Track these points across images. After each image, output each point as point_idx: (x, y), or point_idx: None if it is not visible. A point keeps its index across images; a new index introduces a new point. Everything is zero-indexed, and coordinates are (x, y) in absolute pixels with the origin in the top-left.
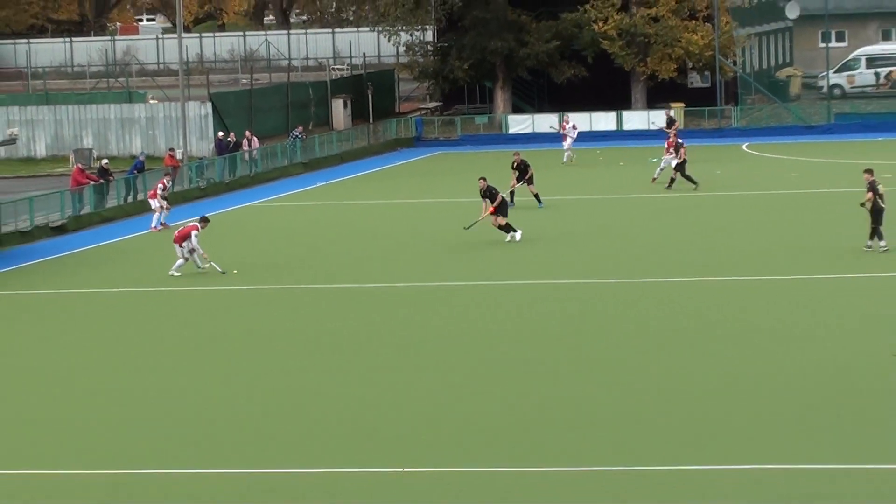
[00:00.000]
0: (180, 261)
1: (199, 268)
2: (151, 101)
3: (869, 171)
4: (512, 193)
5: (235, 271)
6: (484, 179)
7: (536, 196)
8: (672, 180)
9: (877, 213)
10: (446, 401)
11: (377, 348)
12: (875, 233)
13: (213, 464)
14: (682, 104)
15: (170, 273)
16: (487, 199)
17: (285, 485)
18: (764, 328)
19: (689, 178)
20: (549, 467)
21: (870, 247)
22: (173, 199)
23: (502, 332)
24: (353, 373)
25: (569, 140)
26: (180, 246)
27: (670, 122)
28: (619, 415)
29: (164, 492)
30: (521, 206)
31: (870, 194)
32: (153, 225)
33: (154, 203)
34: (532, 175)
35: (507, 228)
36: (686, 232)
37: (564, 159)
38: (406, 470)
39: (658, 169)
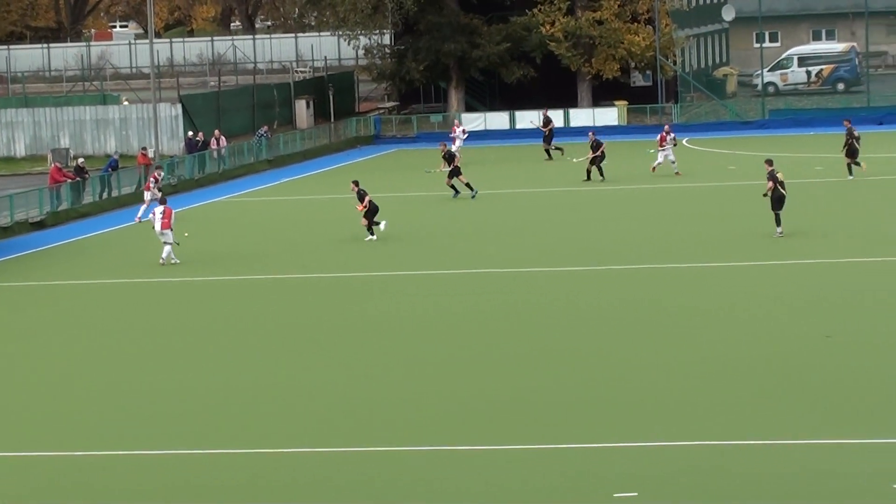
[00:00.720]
0: (168, 247)
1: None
2: (125, 103)
3: (769, 162)
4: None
5: (186, 234)
6: (355, 184)
7: (468, 185)
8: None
9: (777, 201)
10: (394, 383)
11: (334, 334)
12: (779, 219)
13: (184, 445)
14: (626, 102)
15: (172, 262)
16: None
17: (252, 463)
18: (710, 312)
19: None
20: (494, 445)
21: (781, 234)
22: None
23: (443, 320)
24: (312, 357)
25: (458, 142)
26: (171, 230)
27: (546, 121)
28: (557, 397)
29: (135, 472)
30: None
31: (770, 183)
32: (138, 215)
33: (147, 195)
34: (454, 167)
35: (370, 227)
36: (620, 222)
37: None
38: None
39: (656, 161)
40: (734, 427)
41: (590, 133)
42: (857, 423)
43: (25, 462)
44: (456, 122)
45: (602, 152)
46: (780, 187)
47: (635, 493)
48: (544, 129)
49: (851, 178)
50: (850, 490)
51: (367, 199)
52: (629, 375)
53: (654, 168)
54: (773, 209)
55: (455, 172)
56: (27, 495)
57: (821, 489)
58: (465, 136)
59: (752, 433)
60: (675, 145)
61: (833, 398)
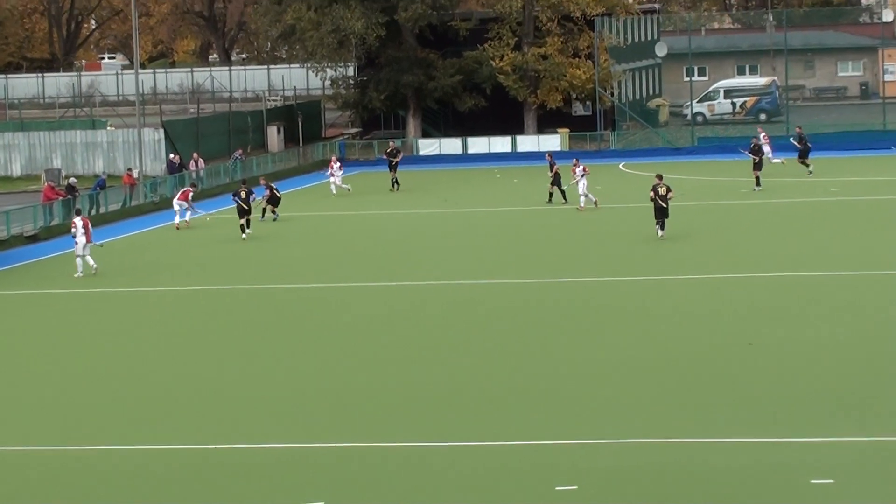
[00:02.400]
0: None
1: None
2: (110, 128)
3: (658, 176)
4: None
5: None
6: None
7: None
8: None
9: (656, 211)
10: (347, 382)
11: (302, 340)
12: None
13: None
14: (568, 130)
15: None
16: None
17: (230, 459)
18: (661, 315)
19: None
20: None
21: (662, 237)
22: (131, 212)
23: (389, 326)
24: (290, 358)
25: (335, 178)
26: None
27: (394, 152)
28: (502, 394)
29: (114, 465)
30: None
31: (651, 194)
32: (182, 219)
33: (178, 204)
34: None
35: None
36: (563, 238)
37: (334, 190)
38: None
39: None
40: (667, 425)
41: (547, 154)
42: (776, 422)
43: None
44: (333, 157)
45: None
46: (659, 200)
47: (575, 487)
48: (390, 159)
49: (811, 174)
50: (771, 486)
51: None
52: (569, 375)
53: (580, 208)
54: (654, 216)
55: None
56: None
57: (747, 485)
58: (342, 171)
59: (684, 431)
60: (584, 174)
61: (757, 399)
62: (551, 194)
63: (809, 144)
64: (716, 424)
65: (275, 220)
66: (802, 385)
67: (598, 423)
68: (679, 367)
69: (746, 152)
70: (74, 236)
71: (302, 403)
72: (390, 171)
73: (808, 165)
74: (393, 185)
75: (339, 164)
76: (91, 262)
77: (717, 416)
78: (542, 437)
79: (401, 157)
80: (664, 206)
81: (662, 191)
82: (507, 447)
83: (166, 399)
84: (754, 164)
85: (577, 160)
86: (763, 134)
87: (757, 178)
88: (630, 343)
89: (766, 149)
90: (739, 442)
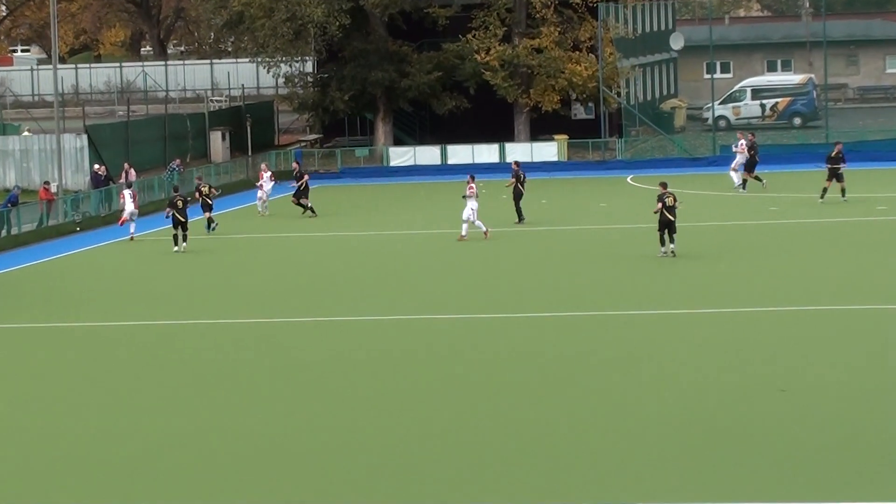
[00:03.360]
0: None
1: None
2: (26, 134)
3: (663, 185)
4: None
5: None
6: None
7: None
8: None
9: (661, 224)
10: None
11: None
12: (663, 241)
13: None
14: (566, 136)
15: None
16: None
17: None
18: (676, 356)
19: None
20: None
21: (664, 253)
22: (48, 233)
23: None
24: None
25: (266, 188)
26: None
27: (298, 175)
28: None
29: None
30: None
31: (659, 205)
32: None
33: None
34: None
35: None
36: (559, 265)
37: (260, 209)
38: None
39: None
40: (691, 485)
41: (513, 163)
42: (820, 482)
43: None
44: (263, 165)
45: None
46: (666, 212)
47: None
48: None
49: (745, 192)
50: None
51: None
52: (572, 429)
53: (464, 235)
54: (658, 230)
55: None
56: None
57: None
58: (272, 183)
59: (710, 494)
60: (470, 195)
61: (794, 455)
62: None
63: (758, 158)
64: (748, 485)
65: (213, 228)
66: (846, 438)
67: (607, 483)
68: (701, 419)
69: (828, 166)
70: None
71: (235, 462)
72: (296, 198)
73: (760, 180)
74: (304, 210)
75: (269, 173)
76: None
77: (749, 475)
78: (548, 499)
79: (307, 179)
80: (672, 218)
81: (670, 201)
82: None
83: (67, 455)
84: (748, 165)
85: (472, 177)
86: (742, 142)
87: (749, 179)
88: (641, 391)
89: (740, 159)
90: None
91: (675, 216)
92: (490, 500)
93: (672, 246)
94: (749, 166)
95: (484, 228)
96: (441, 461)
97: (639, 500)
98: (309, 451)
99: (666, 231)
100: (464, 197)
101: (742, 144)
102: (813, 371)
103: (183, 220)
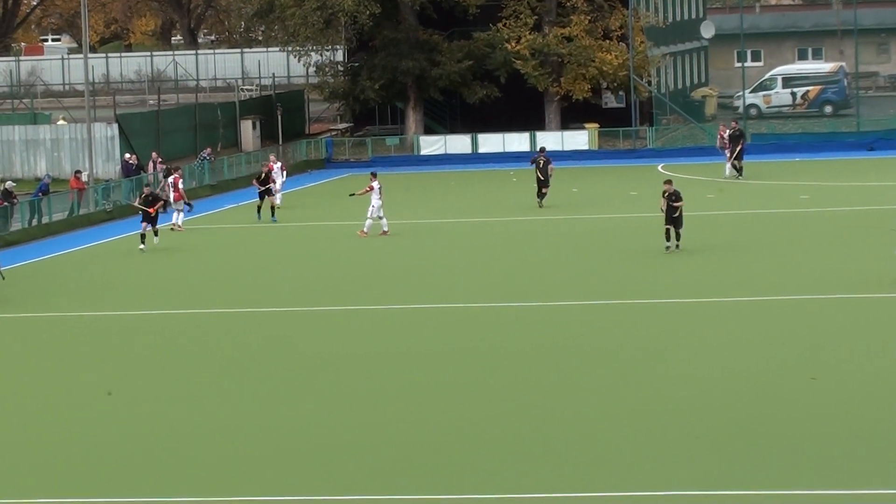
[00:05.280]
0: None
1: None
2: (61, 122)
3: (668, 182)
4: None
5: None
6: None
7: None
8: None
9: (667, 217)
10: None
11: (278, 369)
12: (668, 235)
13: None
14: (597, 125)
15: None
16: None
17: None
18: (703, 346)
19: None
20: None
21: (668, 248)
22: (79, 222)
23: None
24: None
25: (278, 181)
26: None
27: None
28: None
29: None
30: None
31: (663, 201)
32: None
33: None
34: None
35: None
36: (611, 255)
37: (279, 203)
38: None
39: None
40: (720, 475)
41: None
42: (850, 471)
43: None
44: (272, 156)
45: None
46: (668, 209)
47: None
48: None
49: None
50: None
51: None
52: (600, 419)
53: (363, 233)
54: (665, 224)
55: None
56: None
57: None
58: (284, 174)
59: (739, 483)
60: (369, 190)
61: (825, 445)
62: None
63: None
64: (777, 474)
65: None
66: (878, 426)
67: (633, 473)
68: (729, 408)
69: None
70: None
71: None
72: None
73: (737, 170)
74: (258, 213)
75: (280, 164)
76: None
77: (779, 464)
78: (576, 490)
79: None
80: (674, 215)
81: (669, 200)
82: (534, 499)
83: (97, 445)
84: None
85: (374, 175)
86: (730, 131)
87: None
88: (669, 379)
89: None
90: (806, 495)
91: (679, 212)
92: (514, 492)
93: (676, 242)
94: (733, 153)
95: (385, 227)
96: (465, 453)
97: (668, 489)
98: (337, 444)
99: (672, 227)
100: (351, 195)
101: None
102: (845, 360)
103: (153, 214)
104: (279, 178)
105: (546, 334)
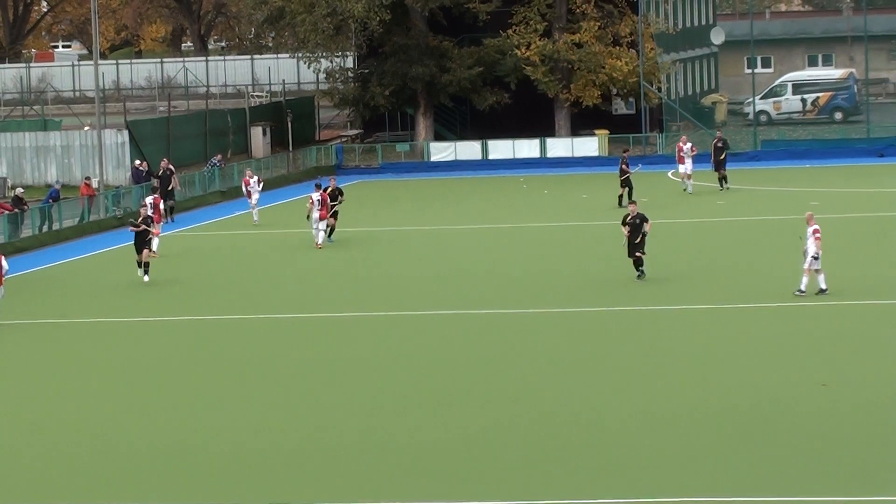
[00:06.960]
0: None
1: None
2: (87, 129)
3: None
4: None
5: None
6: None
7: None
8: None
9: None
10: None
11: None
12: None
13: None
14: (607, 131)
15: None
16: None
17: None
18: (715, 352)
19: None
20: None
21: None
22: (89, 228)
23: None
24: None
25: (255, 196)
26: None
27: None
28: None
29: None
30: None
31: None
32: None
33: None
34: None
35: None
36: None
37: (256, 220)
38: None
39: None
40: (730, 481)
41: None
42: (863, 477)
43: None
44: (248, 170)
45: None
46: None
47: None
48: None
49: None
50: None
51: None
52: (611, 426)
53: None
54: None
55: None
56: None
57: None
58: (261, 186)
59: (750, 489)
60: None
61: (836, 451)
62: (621, 196)
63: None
64: (789, 480)
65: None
66: (889, 433)
67: (644, 479)
68: (741, 414)
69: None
70: None
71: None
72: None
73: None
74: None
75: (256, 178)
76: None
77: (791, 470)
78: (585, 496)
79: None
80: (637, 241)
81: (634, 222)
82: None
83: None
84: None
85: (318, 186)
86: (690, 144)
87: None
88: (680, 385)
89: (688, 163)
90: (818, 501)
91: (643, 238)
92: (520, 498)
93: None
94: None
95: (319, 241)
96: (470, 459)
97: (680, 496)
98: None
99: (640, 254)
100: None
101: (691, 146)
102: (857, 366)
103: (147, 236)
104: (255, 192)
105: (556, 340)
